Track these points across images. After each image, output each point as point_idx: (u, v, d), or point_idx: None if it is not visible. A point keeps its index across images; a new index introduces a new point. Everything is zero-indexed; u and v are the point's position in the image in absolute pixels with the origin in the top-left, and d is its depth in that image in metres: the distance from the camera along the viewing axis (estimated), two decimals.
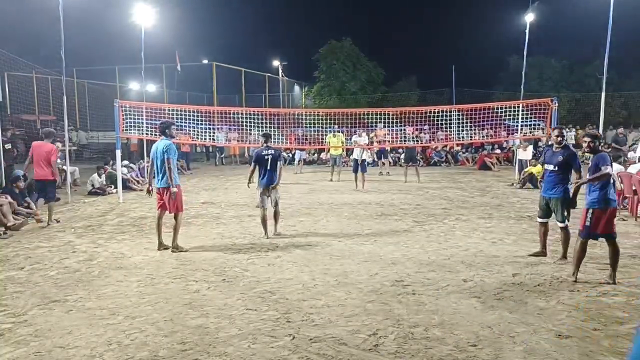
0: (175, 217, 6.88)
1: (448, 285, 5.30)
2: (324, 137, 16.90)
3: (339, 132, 15.89)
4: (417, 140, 18.04)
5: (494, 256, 6.45)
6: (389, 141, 17.43)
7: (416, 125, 17.27)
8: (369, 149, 15.32)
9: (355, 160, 13.40)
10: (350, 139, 14.84)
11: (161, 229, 6.98)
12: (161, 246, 6.92)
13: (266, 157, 7.54)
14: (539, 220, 6.44)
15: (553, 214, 6.24)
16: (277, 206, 7.76)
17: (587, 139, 5.55)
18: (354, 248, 6.95)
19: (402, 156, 20.35)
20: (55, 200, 9.41)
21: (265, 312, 4.62)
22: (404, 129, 16.91)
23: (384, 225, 8.48)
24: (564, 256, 6.19)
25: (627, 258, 6.29)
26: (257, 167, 7.64)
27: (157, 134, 7.30)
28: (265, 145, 7.69)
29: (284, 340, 4.03)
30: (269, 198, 7.62)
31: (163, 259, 6.50)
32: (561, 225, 6.13)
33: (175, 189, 6.72)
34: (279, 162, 7.64)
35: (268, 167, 7.53)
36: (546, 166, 6.23)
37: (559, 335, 4.06)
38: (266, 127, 14.70)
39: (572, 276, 5.48)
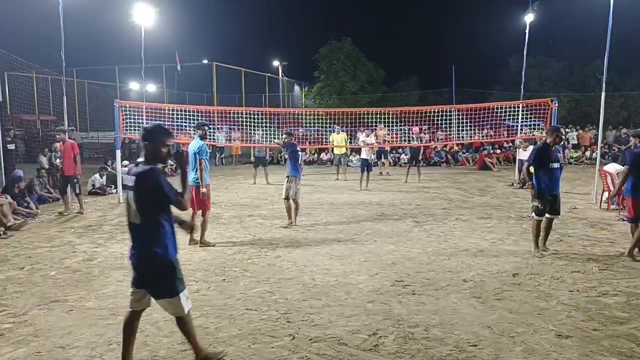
0: (203, 215, 7.17)
1: (448, 285, 5.30)
2: (324, 137, 16.92)
3: (342, 131, 15.91)
4: (420, 140, 18.04)
5: (494, 256, 6.45)
6: (388, 141, 17.44)
7: (416, 125, 17.27)
8: (374, 148, 15.39)
9: (364, 160, 13.50)
10: (355, 139, 14.90)
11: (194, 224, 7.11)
12: (192, 241, 7.16)
13: (299, 152, 8.68)
14: (541, 217, 6.57)
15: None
16: (296, 198, 8.54)
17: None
18: (354, 248, 6.95)
19: (404, 156, 20.42)
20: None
21: (265, 312, 4.62)
22: (410, 129, 16.90)
23: (384, 225, 8.48)
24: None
25: (627, 258, 6.29)
26: (293, 161, 8.52)
27: (193, 133, 7.80)
28: (293, 141, 8.79)
29: (284, 340, 4.03)
30: (293, 189, 8.44)
31: None
32: (558, 217, 6.62)
33: (204, 189, 7.03)
34: (299, 157, 8.70)
35: (299, 162, 8.64)
36: (554, 165, 6.40)
37: (559, 335, 4.06)
38: (266, 127, 14.72)
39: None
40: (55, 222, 9.11)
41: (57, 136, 10.18)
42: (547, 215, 6.50)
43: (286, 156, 8.81)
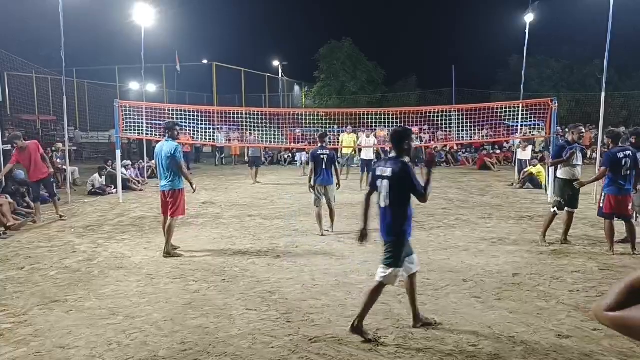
0: (170, 222, 6.60)
1: (448, 285, 5.30)
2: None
3: (352, 131, 15.96)
4: (420, 140, 18.03)
5: (494, 256, 6.45)
6: (388, 142, 17.45)
7: (416, 125, 17.28)
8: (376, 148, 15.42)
9: (364, 160, 13.53)
10: (357, 139, 14.95)
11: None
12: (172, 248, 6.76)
13: (322, 156, 7.82)
14: (561, 211, 6.99)
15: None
16: (331, 205, 7.97)
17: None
18: (354, 248, 6.94)
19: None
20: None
21: (265, 312, 4.62)
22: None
23: None
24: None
25: (627, 258, 6.29)
26: (314, 167, 7.93)
27: (163, 134, 7.26)
28: (320, 145, 7.99)
29: (284, 340, 4.02)
30: (324, 196, 7.88)
31: (163, 259, 6.49)
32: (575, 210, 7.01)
33: (195, 187, 6.87)
34: (334, 163, 7.90)
35: (324, 167, 7.80)
36: (576, 161, 6.91)
37: (559, 335, 4.06)
38: (266, 127, 14.71)
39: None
40: (55, 222, 9.10)
41: (15, 145, 9.00)
42: (567, 209, 6.87)
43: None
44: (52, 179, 9.26)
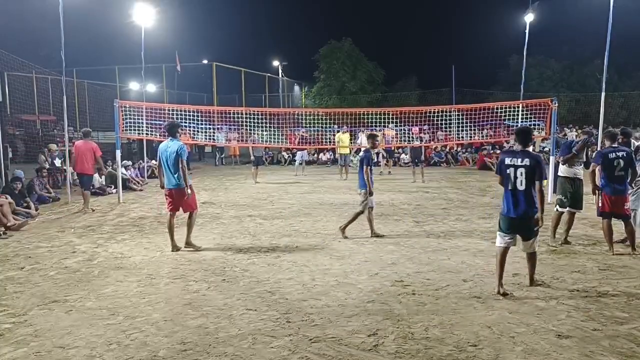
0: (190, 216, 6.97)
1: (448, 285, 5.30)
2: (324, 137, 16.91)
3: (347, 131, 15.96)
4: (420, 140, 18.04)
5: (494, 256, 6.41)
6: (394, 142, 17.50)
7: (416, 125, 17.28)
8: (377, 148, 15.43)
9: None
10: (355, 139, 14.94)
11: (173, 231, 6.93)
12: (175, 248, 6.84)
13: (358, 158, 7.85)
14: (563, 209, 7.12)
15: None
16: (358, 209, 7.61)
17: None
18: (354, 248, 6.95)
19: (404, 155, 20.46)
20: (88, 191, 10.61)
21: (265, 312, 4.61)
22: (410, 129, 16.90)
23: (384, 225, 8.47)
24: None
25: (627, 258, 6.29)
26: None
27: (165, 134, 7.42)
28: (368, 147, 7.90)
29: (284, 340, 4.02)
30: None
31: (163, 259, 6.50)
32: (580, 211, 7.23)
33: (189, 191, 6.82)
34: (363, 165, 7.48)
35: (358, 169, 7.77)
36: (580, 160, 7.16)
37: (559, 335, 4.06)
38: (266, 127, 14.73)
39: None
40: (55, 222, 9.11)
41: (87, 136, 10.73)
42: (568, 208, 6.98)
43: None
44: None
